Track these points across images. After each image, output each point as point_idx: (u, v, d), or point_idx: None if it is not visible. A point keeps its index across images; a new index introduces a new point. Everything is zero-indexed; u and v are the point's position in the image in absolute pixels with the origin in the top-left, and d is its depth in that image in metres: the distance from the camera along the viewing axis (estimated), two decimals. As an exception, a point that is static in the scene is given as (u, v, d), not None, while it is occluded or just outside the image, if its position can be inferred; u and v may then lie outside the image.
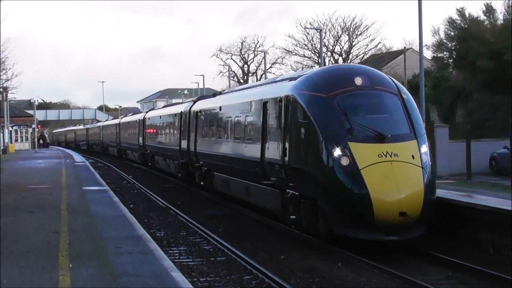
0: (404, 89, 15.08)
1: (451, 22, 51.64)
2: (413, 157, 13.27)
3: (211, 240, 18.33)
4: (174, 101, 65.78)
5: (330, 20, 62.49)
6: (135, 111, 76.62)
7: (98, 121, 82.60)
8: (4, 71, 47.90)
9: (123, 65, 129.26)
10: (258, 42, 76.79)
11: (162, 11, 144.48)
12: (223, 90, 35.84)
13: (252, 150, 18.49)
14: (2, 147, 54.31)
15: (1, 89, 53.97)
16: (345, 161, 12.97)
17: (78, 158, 53.87)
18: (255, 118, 18.47)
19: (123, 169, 47.57)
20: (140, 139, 42.12)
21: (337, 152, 13.10)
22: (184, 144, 28.57)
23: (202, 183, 26.61)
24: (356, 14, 74.03)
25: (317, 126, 13.62)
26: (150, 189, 32.29)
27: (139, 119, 44.26)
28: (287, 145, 14.91)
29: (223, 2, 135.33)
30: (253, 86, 23.32)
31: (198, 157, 26.95)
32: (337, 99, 13.93)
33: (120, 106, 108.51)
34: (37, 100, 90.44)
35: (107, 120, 73.95)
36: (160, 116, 37.37)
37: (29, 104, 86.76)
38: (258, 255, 15.92)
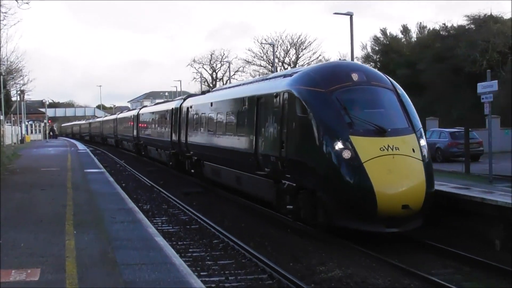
0: (398, 85, 14.97)
1: (376, 39, 63.85)
2: (413, 150, 13.02)
3: (187, 211, 20.03)
4: (157, 101, 73.08)
5: (281, 37, 74.20)
6: (127, 109, 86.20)
7: (97, 117, 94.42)
8: (21, 78, 59.31)
9: (116, 72, 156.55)
10: (224, 54, 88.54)
11: (148, 29, 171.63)
12: (212, 89, 39.29)
13: (244, 143, 18.29)
14: (20, 138, 65.68)
15: (19, 92, 64.96)
16: (347, 155, 12.58)
17: (81, 146, 58.51)
18: (248, 113, 18.16)
19: (118, 156, 51.58)
20: (135, 131, 45.19)
21: (338, 145, 12.70)
22: (174, 136, 29.88)
23: (192, 170, 27.19)
24: (301, 32, 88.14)
25: (318, 120, 13.19)
26: (138, 172, 35.24)
27: (133, 115, 47.55)
28: (284, 138, 14.55)
29: (197, 22, 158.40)
30: (243, 84, 23.52)
31: (188, 148, 27.48)
32: (335, 94, 13.48)
33: (114, 105, 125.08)
34: (48, 100, 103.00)
35: (105, 116, 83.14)
36: (153, 112, 39.48)
37: (41, 103, 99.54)
38: (224, 224, 17.51)
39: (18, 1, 27.28)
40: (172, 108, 31.34)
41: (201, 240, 15.82)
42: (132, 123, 47.16)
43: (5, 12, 27.78)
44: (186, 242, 15.61)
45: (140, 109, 48.16)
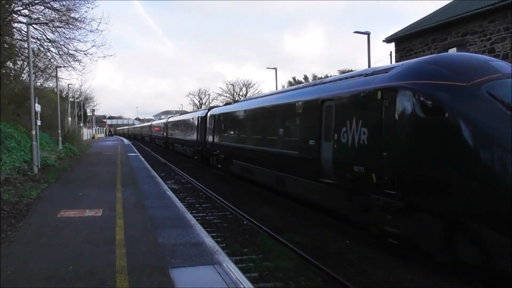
0: None
1: (293, 83, 75.22)
2: None
3: (184, 177, 25.89)
4: (168, 116, 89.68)
5: (238, 80, 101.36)
6: (152, 120, 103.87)
7: (135, 125, 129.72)
8: (93, 102, 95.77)
9: (146, 99, 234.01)
10: (206, 90, 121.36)
11: (163, 75, 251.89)
12: (235, 100, 47.39)
13: (297, 147, 14.53)
14: (92, 136, 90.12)
15: (92, 110, 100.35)
16: None
17: (126, 141, 73.94)
18: (304, 117, 14.54)
19: (149, 147, 63.52)
20: (164, 133, 56.09)
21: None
22: (200, 137, 32.39)
23: (219, 166, 26.81)
24: (249, 78, 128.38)
25: (465, 122, 8.30)
26: (159, 155, 44.32)
27: (163, 122, 58.82)
28: (384, 145, 10.03)
29: (192, 72, 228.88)
30: (280, 92, 19.18)
31: (215, 147, 27.16)
32: (484, 88, 8.83)
33: (145, 118, 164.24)
34: (107, 115, 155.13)
35: (143, 123, 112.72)
36: (180, 120, 45.74)
37: (104, 116, 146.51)
38: (206, 184, 22.14)
39: (92, 60, 58.01)
40: (199, 116, 33.05)
41: (192, 193, 19.73)
42: (162, 128, 58.98)
43: (83, 65, 36.74)
44: (184, 194, 19.31)
45: (168, 118, 60.22)
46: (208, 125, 29.82)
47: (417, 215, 9.36)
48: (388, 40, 25.75)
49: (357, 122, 11.11)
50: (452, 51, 20.74)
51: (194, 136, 34.61)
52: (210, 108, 33.23)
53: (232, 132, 23.65)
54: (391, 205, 9.98)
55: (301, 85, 18.63)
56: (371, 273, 9.08)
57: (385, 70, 10.99)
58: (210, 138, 28.63)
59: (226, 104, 32.16)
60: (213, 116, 28.41)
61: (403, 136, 9.56)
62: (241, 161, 21.64)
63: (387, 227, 10.28)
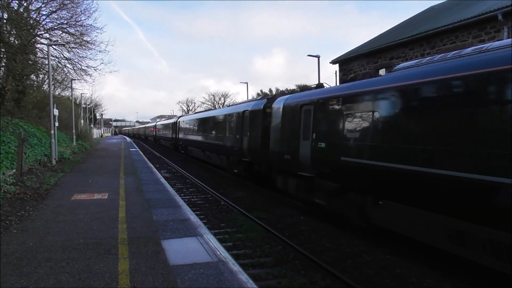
0: None
1: (261, 94, 78.39)
2: None
3: (175, 167, 25.23)
4: (163, 119, 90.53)
5: (218, 92, 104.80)
6: (149, 123, 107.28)
7: (135, 126, 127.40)
8: (101, 108, 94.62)
9: (145, 106, 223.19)
10: (192, 99, 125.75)
11: (159, 87, 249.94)
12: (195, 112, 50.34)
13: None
14: (100, 135, 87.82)
15: (100, 114, 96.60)
16: None
17: (128, 139, 71.28)
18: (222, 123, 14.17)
19: (147, 144, 62.18)
20: (155, 132, 58.11)
21: None
22: (175, 135, 35.35)
23: (182, 151, 31.19)
24: (227, 90, 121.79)
25: None
26: (155, 150, 43.68)
27: (153, 125, 62.29)
28: None
29: (181, 85, 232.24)
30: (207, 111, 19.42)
31: (181, 140, 32.76)
32: None
33: (143, 121, 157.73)
34: (113, 118, 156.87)
35: (143, 125, 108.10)
36: (164, 124, 47.69)
37: (110, 119, 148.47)
38: (192, 173, 21.90)
39: (100, 74, 64.84)
40: (173, 122, 39.10)
41: (181, 180, 19.53)
42: (152, 129, 61.54)
43: (93, 79, 37.84)
44: (174, 181, 19.06)
45: (156, 122, 62.82)
46: (177, 127, 33.82)
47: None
48: (333, 62, 25.93)
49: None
50: (382, 71, 21.04)
51: (170, 134, 39.79)
52: (179, 117, 37.45)
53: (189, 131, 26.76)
54: None
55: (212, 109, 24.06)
56: (318, 241, 9.22)
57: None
58: (177, 135, 32.49)
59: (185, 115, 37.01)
60: (180, 121, 32.88)
61: None
62: (193, 147, 24.86)
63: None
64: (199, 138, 25.34)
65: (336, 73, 26.48)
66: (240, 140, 16.64)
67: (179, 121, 34.88)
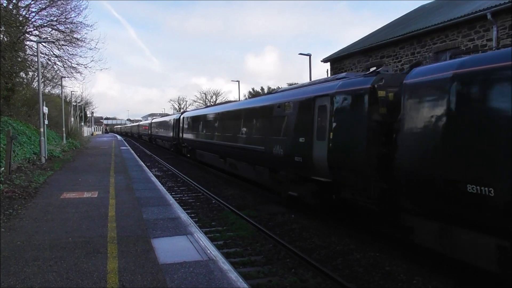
0: None
1: (253, 92, 78.90)
2: None
3: (166, 166, 25.33)
4: (154, 117, 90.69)
5: (209, 90, 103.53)
6: (140, 121, 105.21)
7: (127, 125, 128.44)
8: (92, 106, 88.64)
9: (137, 104, 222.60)
10: (184, 97, 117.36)
11: (153, 85, 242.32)
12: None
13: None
14: (91, 133, 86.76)
15: (91, 112, 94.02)
16: None
17: (119, 137, 71.43)
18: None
19: (138, 142, 61.83)
20: (149, 131, 54.16)
21: None
22: (176, 134, 31.58)
23: (188, 155, 26.69)
24: (219, 88, 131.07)
25: None
26: (145, 148, 44.31)
27: (149, 123, 57.32)
28: None
29: (173, 84, 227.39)
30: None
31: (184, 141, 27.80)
32: None
33: (134, 119, 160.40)
34: (104, 116, 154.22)
35: (132, 124, 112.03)
36: (161, 121, 43.44)
37: (101, 117, 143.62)
38: (183, 171, 22.03)
39: (91, 72, 55.92)
40: (174, 119, 32.23)
41: (172, 178, 19.53)
42: (147, 127, 58.30)
43: (84, 76, 39.91)
44: (165, 179, 19.07)
45: (152, 119, 58.16)
46: (180, 125, 29.02)
47: None
48: (324, 60, 26.03)
49: None
50: (372, 69, 21.19)
51: (170, 134, 34.03)
52: (182, 112, 32.33)
53: (200, 130, 22.48)
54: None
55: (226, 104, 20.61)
56: (309, 239, 9.24)
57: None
58: (181, 135, 28.04)
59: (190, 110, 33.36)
60: (185, 118, 27.75)
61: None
62: (205, 151, 21.08)
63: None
64: (217, 140, 18.85)
65: (327, 72, 26.57)
66: (307, 146, 10.36)
67: (183, 118, 28.06)
